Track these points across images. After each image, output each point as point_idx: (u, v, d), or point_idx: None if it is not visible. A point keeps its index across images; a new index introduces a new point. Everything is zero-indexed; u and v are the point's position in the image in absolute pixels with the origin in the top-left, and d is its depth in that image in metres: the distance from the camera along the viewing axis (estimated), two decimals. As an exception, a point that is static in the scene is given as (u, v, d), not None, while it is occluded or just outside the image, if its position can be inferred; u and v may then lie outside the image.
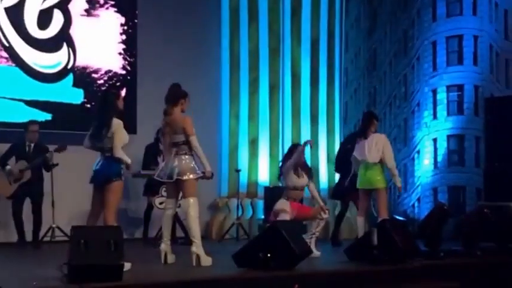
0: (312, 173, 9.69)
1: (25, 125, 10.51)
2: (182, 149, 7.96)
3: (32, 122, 10.53)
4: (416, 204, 13.68)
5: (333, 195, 11.92)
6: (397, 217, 12.17)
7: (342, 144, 11.90)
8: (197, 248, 7.86)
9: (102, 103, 7.86)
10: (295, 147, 9.60)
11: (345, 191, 10.97)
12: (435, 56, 13.63)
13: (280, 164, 9.70)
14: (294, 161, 9.27)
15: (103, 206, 7.65)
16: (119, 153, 7.62)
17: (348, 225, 12.01)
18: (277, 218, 9.06)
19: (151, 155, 11.06)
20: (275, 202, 11.73)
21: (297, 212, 9.27)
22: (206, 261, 7.85)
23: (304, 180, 9.38)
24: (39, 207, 10.41)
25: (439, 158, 13.43)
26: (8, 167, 10.29)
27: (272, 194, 12.00)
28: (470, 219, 10.09)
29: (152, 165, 10.83)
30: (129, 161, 7.70)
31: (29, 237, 10.42)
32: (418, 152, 13.73)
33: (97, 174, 7.68)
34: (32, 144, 10.45)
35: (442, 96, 13.48)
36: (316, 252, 8.82)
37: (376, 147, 9.65)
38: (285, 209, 9.20)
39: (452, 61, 13.53)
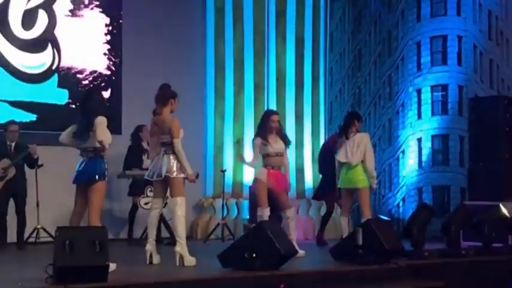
0: (288, 140, 9.53)
1: (5, 125, 10.47)
2: (170, 149, 7.96)
3: (11, 122, 10.50)
4: (401, 204, 13.72)
5: (315, 195, 11.96)
6: (382, 217, 12.21)
7: (323, 145, 11.93)
8: (181, 248, 7.88)
9: (83, 102, 7.85)
10: (266, 114, 9.54)
11: (327, 191, 11.01)
12: (419, 56, 13.68)
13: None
14: (266, 127, 9.25)
15: (86, 206, 7.65)
16: (105, 136, 7.58)
17: (332, 225, 12.02)
18: (254, 186, 9.40)
19: (134, 155, 11.04)
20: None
21: (274, 183, 9.22)
22: (190, 261, 7.86)
23: (280, 145, 9.32)
24: (23, 207, 10.36)
25: (424, 158, 13.48)
26: (-11, 167, 10.26)
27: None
28: (454, 218, 10.12)
29: (135, 165, 10.82)
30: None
31: (12, 238, 10.37)
32: (403, 151, 13.77)
33: (80, 174, 7.67)
34: (13, 144, 10.40)
35: (426, 96, 13.53)
36: (300, 252, 8.82)
37: (358, 148, 9.67)
38: (260, 178, 9.25)
39: (437, 61, 13.58)
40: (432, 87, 13.54)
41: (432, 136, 13.43)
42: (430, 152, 13.41)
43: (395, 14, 14.17)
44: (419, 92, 13.61)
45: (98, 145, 7.59)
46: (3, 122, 10.69)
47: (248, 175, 12.90)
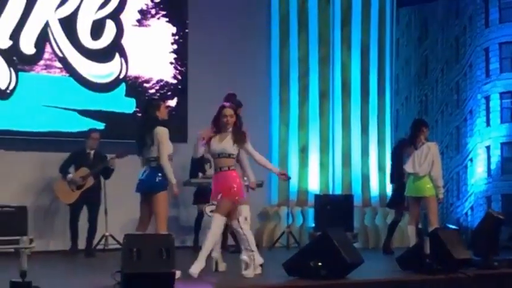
0: (241, 137, 7.81)
1: (87, 133, 10.66)
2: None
3: (94, 130, 10.70)
4: (469, 213, 13.52)
5: (389, 204, 11.82)
6: (450, 226, 12.04)
7: (392, 153, 11.80)
8: (248, 256, 7.78)
9: (143, 114, 7.97)
10: (220, 108, 7.88)
11: (396, 199, 10.91)
12: (488, 63, 13.48)
13: None
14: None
15: (151, 213, 7.76)
16: (166, 164, 7.68)
17: (399, 234, 11.90)
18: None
19: (199, 163, 11.10)
20: (326, 210, 11.76)
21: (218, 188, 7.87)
22: (255, 269, 7.84)
23: (225, 145, 7.74)
24: (95, 215, 10.52)
25: (493, 166, 13.26)
26: (69, 175, 10.42)
27: (322, 202, 12.00)
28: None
29: (200, 173, 10.88)
30: (173, 181, 7.73)
31: (82, 244, 10.54)
32: (471, 159, 13.58)
33: (142, 184, 7.78)
34: (93, 152, 10.58)
35: (495, 103, 13.32)
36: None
37: (426, 159, 9.57)
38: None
39: (506, 67, 13.37)
40: (501, 94, 13.32)
41: (501, 144, 13.21)
42: (499, 160, 13.19)
43: (462, 20, 14.00)
44: (487, 99, 13.41)
45: (157, 155, 7.69)
46: (74, 131, 10.86)
47: (313, 183, 12.88)
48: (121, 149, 10.43)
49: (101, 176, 10.61)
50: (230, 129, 7.73)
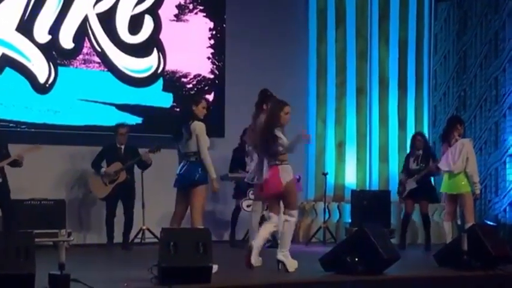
0: None
1: (115, 128, 10.73)
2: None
3: (121, 125, 10.76)
4: (508, 209, 13.38)
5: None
6: (488, 222, 11.94)
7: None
8: (284, 256, 7.72)
9: (183, 109, 8.01)
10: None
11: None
12: (528, 58, 13.32)
13: None
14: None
15: (186, 208, 7.79)
16: (207, 158, 7.70)
17: (436, 230, 11.82)
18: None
19: (238, 158, 11.13)
20: (362, 206, 11.76)
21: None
22: (292, 265, 7.83)
23: None
24: (131, 209, 10.61)
25: (532, 162, 13.11)
26: (103, 169, 10.53)
27: (359, 197, 11.96)
28: None
29: (240, 168, 10.89)
30: (214, 175, 7.74)
31: (118, 238, 10.62)
32: (510, 155, 13.43)
33: (181, 179, 7.81)
34: (123, 147, 10.67)
35: (534, 98, 13.16)
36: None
37: (460, 157, 9.51)
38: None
39: (545, 63, 13.20)
40: (541, 89, 13.16)
41: (540, 140, 13.05)
42: (538, 156, 13.03)
43: (502, 15, 13.83)
44: (527, 94, 13.25)
45: (196, 149, 7.71)
46: (112, 125, 10.95)
47: (350, 178, 12.84)
48: (155, 144, 10.50)
49: (133, 170, 10.67)
50: None
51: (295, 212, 7.71)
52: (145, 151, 10.53)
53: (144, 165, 10.67)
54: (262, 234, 7.72)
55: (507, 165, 13.49)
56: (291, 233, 7.78)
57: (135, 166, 10.71)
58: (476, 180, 9.61)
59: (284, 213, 7.71)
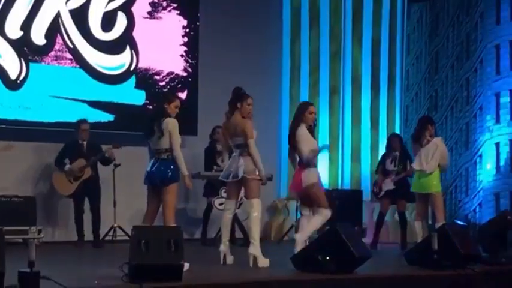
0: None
1: (76, 124, 10.66)
2: (245, 150, 7.96)
3: (82, 121, 10.68)
4: (477, 209, 13.49)
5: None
6: (458, 222, 12.02)
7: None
8: (255, 249, 7.88)
9: (157, 104, 8.02)
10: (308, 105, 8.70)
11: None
12: (499, 60, 13.42)
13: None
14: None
15: (159, 206, 7.76)
16: (180, 155, 7.67)
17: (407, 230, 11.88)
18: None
19: (211, 156, 11.12)
20: (334, 205, 11.81)
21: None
22: (263, 262, 7.86)
23: None
24: (97, 205, 10.56)
25: (502, 163, 13.22)
26: (67, 166, 10.45)
27: (331, 196, 11.98)
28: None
29: (213, 166, 10.89)
30: (186, 172, 7.73)
31: (89, 236, 10.57)
32: (480, 156, 13.54)
33: (152, 176, 7.74)
34: (85, 143, 10.60)
35: (505, 100, 13.26)
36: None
37: (433, 157, 9.56)
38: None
39: (516, 65, 13.31)
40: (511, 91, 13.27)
41: (510, 140, 13.16)
42: (509, 157, 13.15)
43: (473, 17, 13.95)
44: (497, 95, 13.36)
45: (169, 147, 7.68)
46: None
47: (323, 178, 12.81)
48: (123, 142, 10.47)
49: (97, 166, 10.64)
50: None
51: (321, 210, 8.45)
52: (109, 147, 10.49)
53: (108, 161, 10.62)
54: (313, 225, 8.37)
55: (477, 166, 13.61)
56: (312, 228, 8.43)
57: (98, 162, 10.66)
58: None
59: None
